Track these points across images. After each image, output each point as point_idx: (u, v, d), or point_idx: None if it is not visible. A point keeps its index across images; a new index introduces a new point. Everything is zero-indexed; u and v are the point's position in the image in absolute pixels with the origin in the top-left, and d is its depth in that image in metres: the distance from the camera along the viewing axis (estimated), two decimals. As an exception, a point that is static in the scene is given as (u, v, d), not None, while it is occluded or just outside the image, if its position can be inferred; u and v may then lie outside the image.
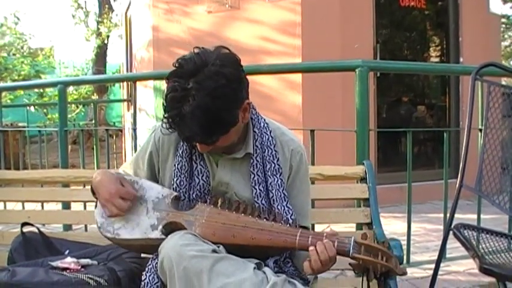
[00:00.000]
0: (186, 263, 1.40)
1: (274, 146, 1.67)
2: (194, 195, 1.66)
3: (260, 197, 1.63)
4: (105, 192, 1.63)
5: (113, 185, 1.62)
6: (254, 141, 1.65)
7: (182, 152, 1.66)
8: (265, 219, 1.56)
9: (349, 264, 1.51)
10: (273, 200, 1.63)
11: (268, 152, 1.66)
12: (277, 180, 1.65)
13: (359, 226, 2.38)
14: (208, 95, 1.43)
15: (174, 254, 1.42)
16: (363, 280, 1.52)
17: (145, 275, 1.54)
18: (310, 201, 1.80)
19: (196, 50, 1.52)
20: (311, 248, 1.47)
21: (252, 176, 1.65)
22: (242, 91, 1.53)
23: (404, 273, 1.56)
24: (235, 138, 1.59)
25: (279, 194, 1.64)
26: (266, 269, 1.49)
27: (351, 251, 1.46)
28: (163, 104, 1.51)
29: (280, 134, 1.71)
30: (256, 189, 1.64)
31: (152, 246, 1.55)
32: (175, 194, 1.64)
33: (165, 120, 1.50)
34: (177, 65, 1.49)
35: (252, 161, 1.65)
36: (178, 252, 1.42)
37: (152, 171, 1.74)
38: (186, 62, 1.48)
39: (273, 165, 1.66)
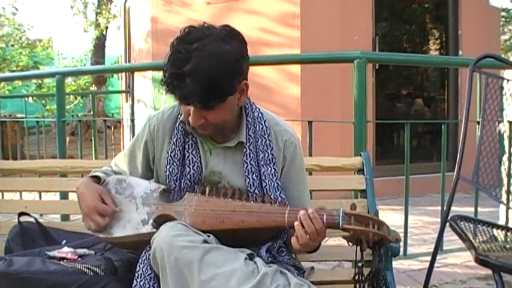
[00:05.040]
0: (176, 253, 1.40)
1: (268, 136, 1.66)
2: (185, 184, 1.65)
3: (253, 186, 1.63)
4: (84, 206, 1.64)
5: (92, 201, 1.62)
6: (247, 130, 1.64)
7: (176, 141, 1.66)
8: (252, 202, 1.56)
9: (342, 237, 1.50)
10: (266, 189, 1.62)
11: (261, 141, 1.65)
12: (271, 170, 1.64)
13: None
14: (211, 56, 1.43)
15: (165, 245, 1.42)
16: (356, 251, 1.50)
17: (139, 266, 1.53)
18: (308, 192, 1.80)
19: (206, 24, 1.53)
20: (296, 223, 1.46)
21: (245, 165, 1.64)
22: (243, 66, 1.53)
23: (398, 240, 1.54)
24: (229, 116, 1.58)
25: (272, 183, 1.64)
26: (257, 259, 1.49)
27: (340, 223, 1.45)
28: (164, 64, 1.49)
29: (275, 124, 1.70)
30: (249, 178, 1.63)
31: (145, 242, 1.55)
32: (163, 187, 1.65)
33: (164, 79, 1.49)
34: (186, 30, 1.50)
35: (245, 150, 1.64)
36: (169, 242, 1.42)
37: (147, 161, 1.74)
38: (195, 30, 1.50)
39: (267, 154, 1.65)
